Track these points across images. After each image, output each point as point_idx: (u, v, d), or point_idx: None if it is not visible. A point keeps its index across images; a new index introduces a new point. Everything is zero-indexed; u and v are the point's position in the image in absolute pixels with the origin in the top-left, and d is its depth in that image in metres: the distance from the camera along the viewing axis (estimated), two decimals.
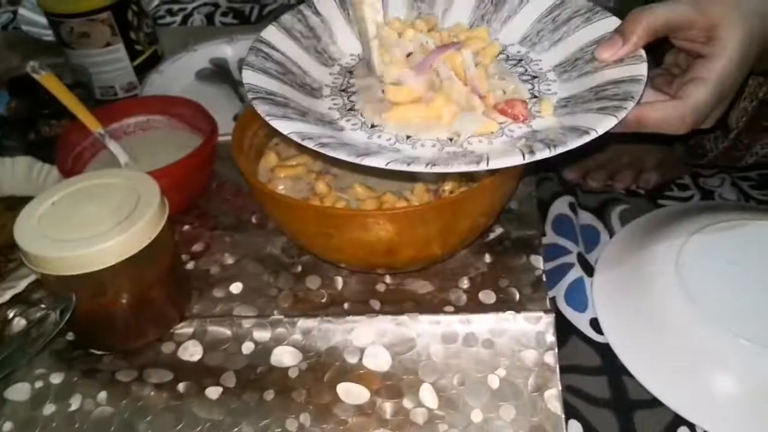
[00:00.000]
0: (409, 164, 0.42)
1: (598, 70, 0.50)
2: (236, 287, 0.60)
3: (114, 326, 0.55)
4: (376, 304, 0.57)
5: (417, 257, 0.56)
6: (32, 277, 0.58)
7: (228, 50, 0.92)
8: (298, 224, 0.54)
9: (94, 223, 0.50)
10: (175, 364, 0.55)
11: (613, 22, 0.52)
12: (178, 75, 0.88)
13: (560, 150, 0.42)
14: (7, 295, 0.57)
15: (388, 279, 0.60)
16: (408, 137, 0.48)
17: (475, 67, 0.50)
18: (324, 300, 0.58)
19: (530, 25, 0.57)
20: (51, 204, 0.53)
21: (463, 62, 0.49)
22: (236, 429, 0.50)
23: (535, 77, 0.54)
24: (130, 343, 0.56)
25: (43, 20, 0.96)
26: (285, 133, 0.45)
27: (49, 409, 0.52)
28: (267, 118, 0.45)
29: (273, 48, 0.54)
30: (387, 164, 0.42)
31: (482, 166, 0.42)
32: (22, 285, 0.58)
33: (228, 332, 0.56)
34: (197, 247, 0.64)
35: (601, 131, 0.43)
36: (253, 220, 0.67)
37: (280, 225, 0.59)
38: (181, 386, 0.53)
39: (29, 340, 0.49)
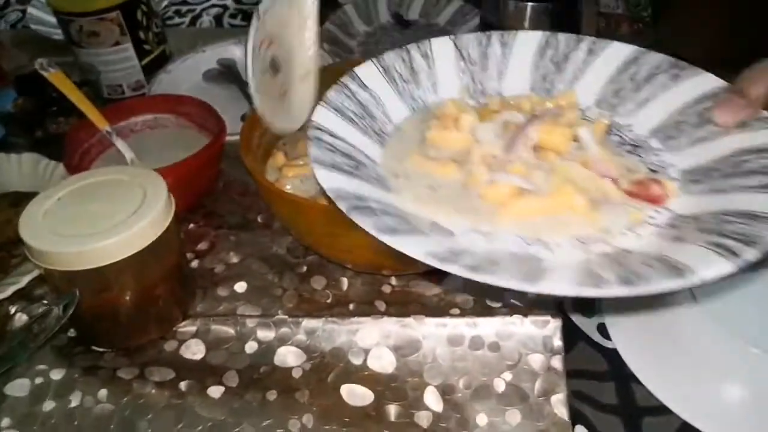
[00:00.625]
0: (599, 286, 0.34)
1: (718, 137, 0.44)
2: (241, 286, 0.59)
3: (117, 323, 0.54)
4: (381, 306, 0.57)
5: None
6: (35, 273, 0.58)
7: (236, 51, 0.92)
8: (305, 224, 0.54)
9: (99, 219, 0.50)
10: (178, 363, 0.54)
11: (705, 78, 0.47)
12: (186, 75, 0.88)
13: (762, 249, 0.34)
14: (10, 291, 0.56)
15: (393, 281, 0.59)
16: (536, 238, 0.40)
17: (595, 144, 0.44)
18: (329, 300, 0.58)
19: (604, 85, 0.51)
20: (57, 199, 0.52)
21: (567, 138, 0.44)
22: (238, 429, 0.50)
23: (636, 146, 0.47)
24: (133, 340, 0.55)
25: (52, 19, 0.96)
26: (417, 257, 0.35)
27: (48, 405, 0.51)
28: (381, 237, 0.37)
29: (334, 136, 0.45)
30: (577, 291, 0.34)
31: (691, 280, 0.33)
32: (25, 280, 0.57)
33: (231, 331, 0.56)
34: (202, 246, 0.64)
35: None
36: (259, 219, 0.67)
37: (287, 224, 0.59)
38: (182, 385, 0.52)
39: (31, 335, 0.49)
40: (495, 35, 0.53)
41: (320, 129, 0.44)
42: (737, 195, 0.40)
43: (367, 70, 0.50)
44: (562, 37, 0.52)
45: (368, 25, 1.00)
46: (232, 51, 0.92)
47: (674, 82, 0.48)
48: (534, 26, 0.72)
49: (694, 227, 0.39)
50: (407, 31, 1.00)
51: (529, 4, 0.72)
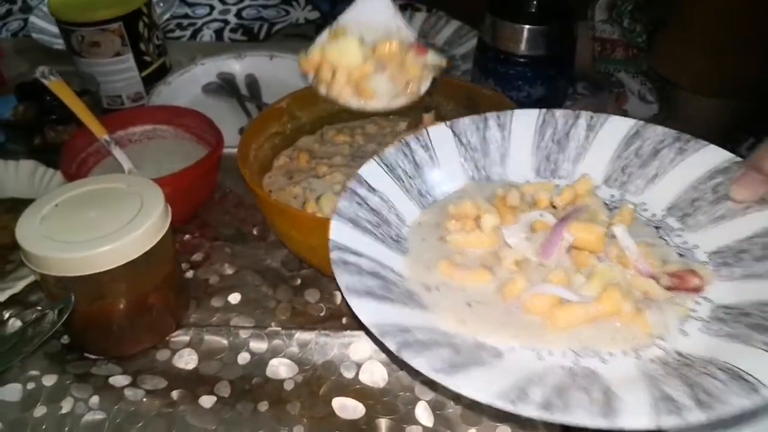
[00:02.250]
0: (679, 414, 0.32)
1: (738, 214, 0.43)
2: (234, 297, 0.60)
3: (110, 331, 0.54)
4: None
5: None
6: (30, 279, 0.58)
7: (236, 65, 0.93)
8: (301, 235, 0.54)
9: (96, 227, 0.50)
10: (170, 372, 0.54)
11: (713, 150, 0.47)
12: (186, 87, 0.89)
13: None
14: (4, 296, 0.56)
15: None
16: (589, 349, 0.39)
17: (634, 242, 0.42)
18: (322, 314, 0.58)
19: (610, 162, 0.50)
20: (54, 206, 0.53)
21: (602, 236, 0.42)
22: None
23: (657, 227, 0.47)
24: (126, 348, 0.55)
25: (54, 29, 0.97)
26: (488, 402, 0.33)
27: (40, 411, 0.51)
28: (439, 378, 0.35)
29: (357, 254, 0.43)
30: (657, 422, 0.32)
31: (764, 393, 0.32)
32: (20, 286, 0.57)
33: (224, 342, 0.56)
34: (197, 257, 0.64)
35: None
36: (254, 232, 0.67)
37: (283, 236, 0.59)
38: (174, 394, 0.52)
39: (25, 338, 0.49)
40: (491, 118, 0.53)
41: (341, 248, 0.42)
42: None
43: (371, 171, 0.49)
44: (560, 114, 0.52)
45: None
46: (232, 65, 0.93)
47: (681, 156, 0.48)
48: (530, 48, 0.73)
49: (743, 322, 0.37)
50: None
51: (526, 26, 0.73)
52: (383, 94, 0.56)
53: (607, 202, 0.49)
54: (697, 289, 0.41)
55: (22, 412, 0.51)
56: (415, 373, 0.36)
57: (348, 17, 0.58)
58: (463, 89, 0.66)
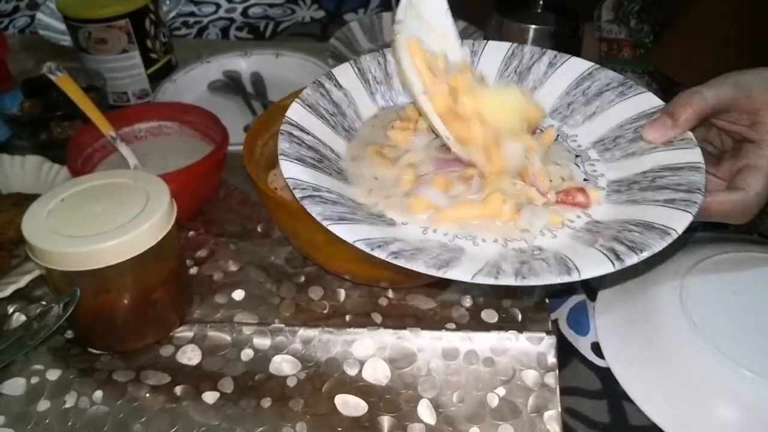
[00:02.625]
0: (496, 277, 0.39)
1: (645, 152, 0.49)
2: (238, 294, 0.60)
3: (114, 326, 0.54)
4: (377, 318, 0.57)
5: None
6: (35, 274, 0.58)
7: (242, 63, 0.93)
8: (305, 232, 0.54)
9: (102, 221, 0.50)
10: (173, 367, 0.54)
11: (648, 97, 0.51)
12: (191, 85, 0.89)
13: (646, 255, 0.39)
14: (9, 290, 0.57)
15: (390, 294, 0.60)
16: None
17: (539, 161, 0.48)
18: (326, 311, 0.58)
19: (559, 97, 0.55)
20: (60, 200, 0.53)
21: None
22: None
23: (577, 156, 0.52)
24: (129, 343, 0.56)
25: (60, 25, 0.97)
26: (350, 241, 0.40)
27: (43, 405, 0.51)
28: (324, 223, 0.41)
29: (303, 131, 0.49)
30: (473, 277, 0.39)
31: (575, 277, 0.39)
32: (25, 280, 0.58)
33: (228, 338, 0.56)
34: (201, 253, 0.64)
35: (680, 231, 0.41)
36: (259, 229, 0.67)
37: (288, 233, 0.59)
38: (178, 389, 0.53)
39: (30, 332, 0.49)
40: (466, 43, 0.56)
41: (291, 124, 0.49)
42: (645, 207, 0.45)
43: (343, 71, 0.54)
44: (528, 49, 0.56)
45: (372, 42, 1.01)
46: (238, 63, 0.93)
47: (620, 98, 0.52)
48: None
49: (603, 233, 0.43)
50: None
51: (532, 26, 0.73)
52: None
53: (542, 129, 0.53)
54: (581, 205, 0.47)
55: (26, 406, 0.51)
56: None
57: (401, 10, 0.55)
58: None
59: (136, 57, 0.86)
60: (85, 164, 0.69)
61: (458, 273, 0.39)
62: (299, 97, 0.51)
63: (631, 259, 0.39)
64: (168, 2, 1.09)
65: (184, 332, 0.57)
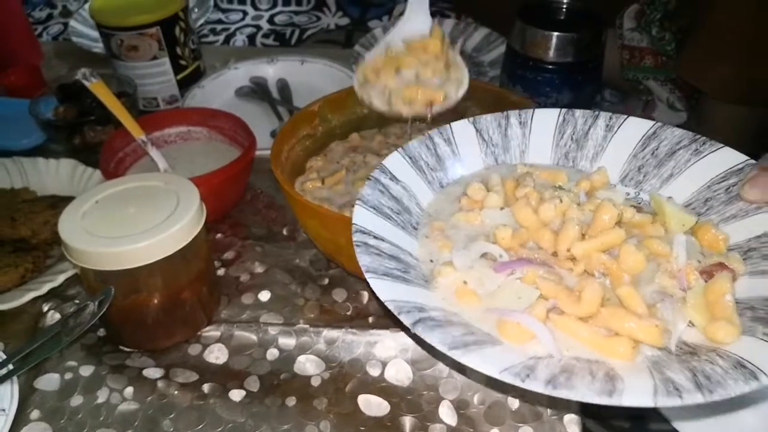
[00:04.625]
0: (681, 396, 0.34)
1: (749, 215, 0.45)
2: (264, 295, 0.61)
3: (145, 324, 0.56)
4: None
5: None
6: (69, 273, 0.60)
7: (268, 70, 0.95)
8: (330, 235, 0.56)
9: (134, 223, 0.52)
10: (201, 366, 0.56)
11: (728, 153, 0.48)
12: (219, 91, 0.91)
13: None
14: (45, 288, 0.59)
15: None
16: None
17: (685, 256, 0.43)
18: (349, 312, 0.59)
19: (626, 162, 0.52)
20: (95, 202, 0.54)
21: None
22: (257, 431, 0.51)
23: None
24: (159, 342, 0.57)
25: (93, 33, 1.00)
26: (494, 375, 0.36)
27: (76, 400, 0.53)
28: (452, 354, 0.36)
29: (377, 238, 0.45)
30: (655, 400, 0.34)
31: (764, 381, 0.34)
32: (60, 279, 0.60)
33: (254, 338, 0.57)
34: (229, 255, 0.66)
35: None
36: (284, 232, 0.69)
37: (313, 236, 0.60)
38: (205, 387, 0.54)
39: (66, 328, 0.51)
40: (513, 115, 0.54)
41: (364, 232, 0.44)
42: None
43: (395, 163, 0.51)
44: (579, 113, 0.53)
45: None
46: (264, 69, 0.95)
47: (696, 157, 0.49)
48: (558, 55, 0.74)
49: (747, 315, 0.39)
50: None
51: (555, 33, 0.73)
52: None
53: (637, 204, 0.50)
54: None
55: (60, 401, 0.53)
56: (432, 351, 0.38)
57: (393, 36, 0.60)
58: (491, 93, 0.67)
59: (166, 63, 0.88)
60: (118, 167, 0.71)
61: (634, 398, 0.34)
62: (360, 198, 0.47)
63: None
64: (197, 10, 1.11)
65: (212, 332, 0.58)
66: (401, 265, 0.44)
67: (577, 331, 0.39)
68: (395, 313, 0.38)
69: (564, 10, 0.79)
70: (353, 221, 0.45)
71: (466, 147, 0.54)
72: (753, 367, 0.34)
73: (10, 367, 0.51)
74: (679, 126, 0.50)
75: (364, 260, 0.42)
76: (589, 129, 0.53)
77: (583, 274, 0.43)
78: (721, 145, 0.48)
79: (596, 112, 0.53)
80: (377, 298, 0.40)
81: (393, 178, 0.50)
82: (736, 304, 0.40)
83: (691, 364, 0.36)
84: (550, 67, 0.75)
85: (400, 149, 0.52)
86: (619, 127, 0.52)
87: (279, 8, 1.21)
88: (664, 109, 0.83)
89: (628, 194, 0.51)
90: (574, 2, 0.79)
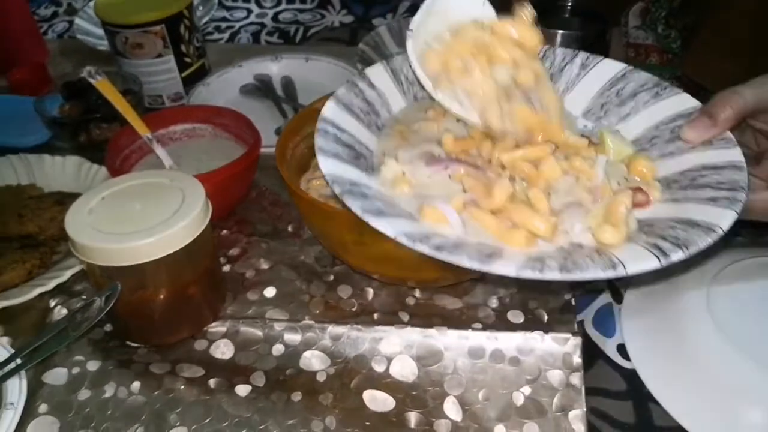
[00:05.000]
0: (541, 271, 0.39)
1: (684, 152, 0.48)
2: (270, 291, 0.62)
3: (151, 320, 0.56)
4: (404, 316, 0.58)
5: (446, 274, 0.57)
6: (76, 269, 0.61)
7: (273, 67, 0.95)
8: (335, 232, 0.56)
9: (140, 219, 0.52)
10: (207, 361, 0.56)
11: (684, 98, 0.51)
12: (224, 88, 0.91)
13: (693, 251, 0.39)
14: (52, 284, 0.59)
15: (417, 293, 0.61)
16: None
17: (603, 174, 0.46)
18: (354, 309, 0.59)
19: (592, 98, 0.55)
20: (101, 198, 0.55)
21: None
22: (263, 426, 0.51)
23: None
24: (165, 337, 0.58)
25: (98, 31, 1.00)
26: (391, 235, 0.40)
27: (84, 394, 0.54)
28: (365, 217, 0.41)
29: (339, 128, 0.49)
30: (518, 271, 0.39)
31: (620, 272, 0.39)
32: (67, 275, 0.60)
33: (259, 333, 0.58)
34: (234, 252, 0.66)
35: (726, 228, 0.41)
36: (289, 228, 0.69)
37: (318, 232, 0.61)
38: (211, 382, 0.54)
39: (74, 323, 0.51)
40: None
41: (327, 121, 0.49)
42: (688, 204, 0.44)
43: (376, 71, 0.55)
44: (560, 51, 0.56)
45: (401, 46, 1.03)
46: (269, 67, 0.95)
47: (655, 100, 0.52)
48: None
49: (647, 231, 0.43)
50: None
51: (560, 31, 0.74)
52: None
53: (586, 135, 0.52)
54: (641, 205, 0.46)
55: (68, 395, 0.54)
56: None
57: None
58: None
59: (171, 61, 0.89)
60: (123, 164, 0.71)
61: (502, 267, 0.39)
62: (334, 96, 0.51)
63: (677, 255, 0.39)
64: (201, 8, 1.12)
65: (218, 327, 0.58)
66: (353, 153, 0.49)
67: (485, 221, 0.44)
68: (329, 182, 0.43)
69: (569, 8, 0.79)
70: (321, 113, 0.49)
71: None
72: (616, 260, 0.39)
73: (18, 361, 0.52)
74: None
75: (319, 142, 0.47)
76: (565, 65, 0.56)
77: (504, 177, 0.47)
78: (680, 90, 0.52)
79: (576, 51, 0.56)
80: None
81: (370, 84, 0.54)
82: (639, 222, 0.44)
83: (571, 256, 0.41)
84: None
85: (384, 61, 0.55)
86: (593, 67, 0.55)
87: (283, 6, 1.21)
88: None
89: (585, 126, 0.54)
90: (578, 1, 0.79)
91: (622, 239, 0.42)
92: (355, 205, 0.42)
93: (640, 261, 0.39)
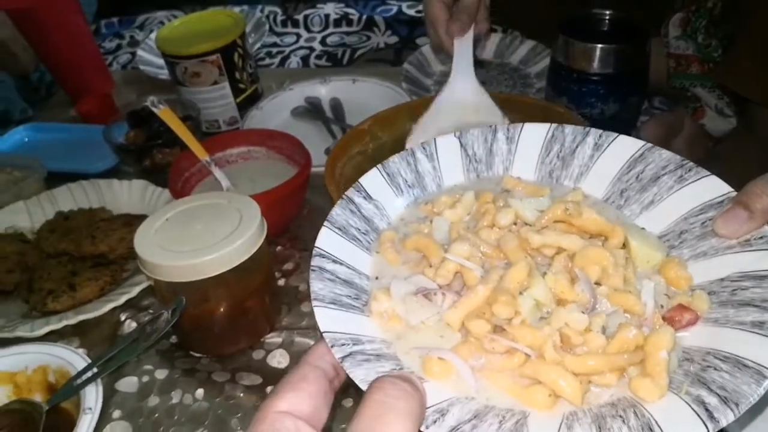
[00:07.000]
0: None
1: (718, 253, 0.42)
2: None
3: (212, 332, 0.60)
4: None
5: None
6: (143, 285, 0.65)
7: (322, 90, 0.99)
8: None
9: (202, 238, 0.56)
10: (264, 370, 0.60)
11: (712, 182, 0.44)
12: (276, 111, 0.96)
13: (743, 408, 0.32)
14: (123, 299, 0.64)
15: None
16: None
17: (653, 299, 0.40)
18: None
19: (610, 184, 0.49)
20: (165, 220, 0.59)
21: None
22: None
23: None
24: (226, 348, 0.62)
25: (159, 61, 1.07)
26: None
27: (153, 401, 0.58)
28: (363, 386, 0.35)
29: (335, 260, 0.43)
30: None
31: None
32: (135, 291, 0.65)
33: (313, 343, 0.61)
34: (288, 266, 0.70)
35: None
36: None
37: None
38: (269, 389, 0.58)
39: (144, 334, 0.56)
40: (501, 130, 0.51)
41: (322, 255, 0.42)
42: (730, 332, 0.38)
43: (372, 180, 0.48)
44: (569, 130, 0.50)
45: (444, 64, 1.06)
46: (318, 89, 1.00)
47: (680, 185, 0.46)
48: (603, 66, 0.75)
49: (686, 369, 0.37)
50: (481, 70, 1.04)
51: (598, 46, 0.75)
52: None
53: None
54: (691, 325, 0.40)
55: (138, 401, 0.58)
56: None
57: (442, 98, 0.60)
58: (536, 107, 0.69)
59: (226, 88, 0.94)
60: (184, 186, 0.76)
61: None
62: (328, 219, 0.45)
63: (726, 417, 0.32)
64: (253, 35, 1.17)
65: (274, 338, 0.62)
66: (353, 291, 0.42)
67: (498, 380, 0.37)
68: (329, 347, 0.37)
69: (607, 21, 0.81)
70: (315, 244, 0.43)
71: (447, 163, 0.51)
72: (654, 423, 0.33)
73: (95, 370, 0.56)
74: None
75: (315, 286, 0.40)
76: (576, 147, 0.50)
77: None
78: (707, 173, 0.45)
79: (587, 129, 0.50)
80: None
81: (367, 196, 0.48)
82: (683, 353, 0.38)
83: (605, 421, 0.35)
84: (595, 78, 0.76)
85: (379, 166, 0.49)
86: (607, 146, 0.49)
87: (330, 29, 1.25)
88: (713, 116, 0.83)
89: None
90: (616, 13, 0.80)
91: (661, 394, 0.36)
92: (358, 377, 0.36)
93: (682, 426, 0.33)
